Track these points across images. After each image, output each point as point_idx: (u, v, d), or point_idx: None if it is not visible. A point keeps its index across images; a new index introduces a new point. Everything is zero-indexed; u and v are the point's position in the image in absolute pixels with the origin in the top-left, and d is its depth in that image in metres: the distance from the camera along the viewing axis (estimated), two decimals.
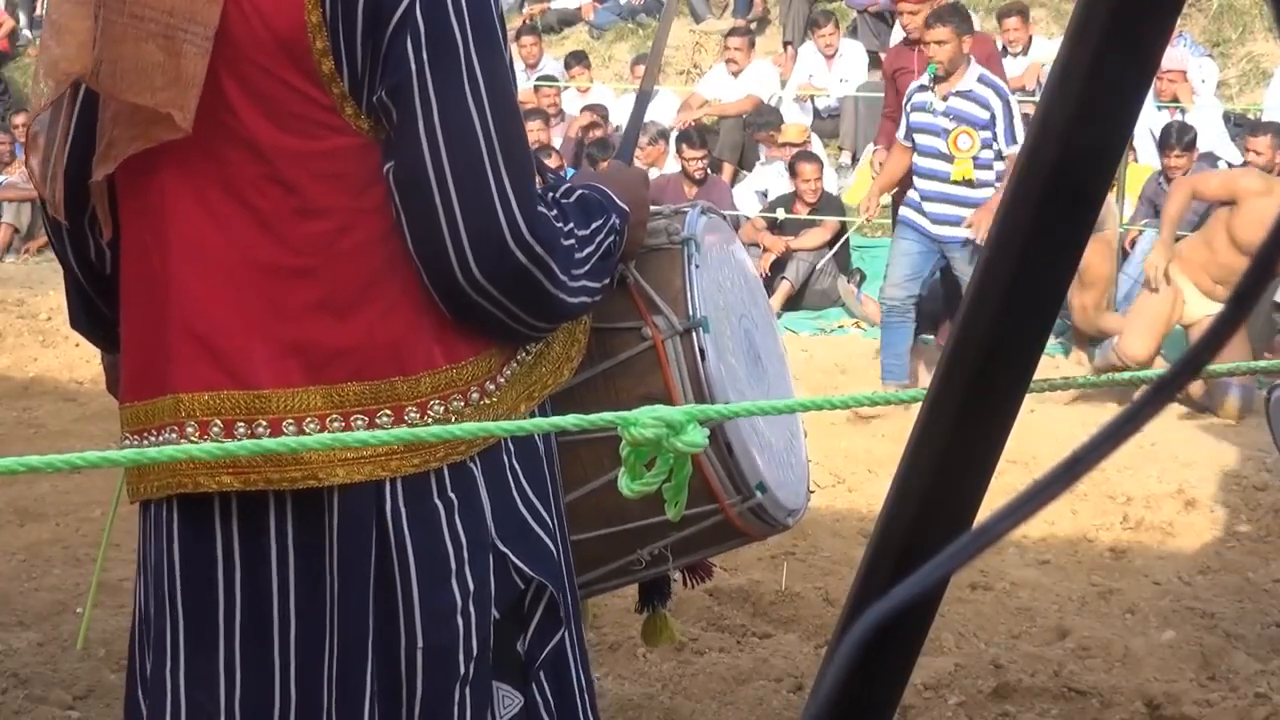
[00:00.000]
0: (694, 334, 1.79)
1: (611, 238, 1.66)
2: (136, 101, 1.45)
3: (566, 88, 11.29)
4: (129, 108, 1.47)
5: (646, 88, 2.10)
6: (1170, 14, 0.67)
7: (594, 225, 1.64)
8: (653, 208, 1.86)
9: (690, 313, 1.80)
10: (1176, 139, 8.19)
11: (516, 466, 1.62)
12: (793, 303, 9.01)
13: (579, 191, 1.66)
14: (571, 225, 1.60)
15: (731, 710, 3.32)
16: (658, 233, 1.86)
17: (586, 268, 1.61)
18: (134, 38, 1.45)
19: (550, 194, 1.61)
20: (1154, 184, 8.55)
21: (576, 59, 11.48)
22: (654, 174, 9.27)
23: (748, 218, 9.49)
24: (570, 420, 1.17)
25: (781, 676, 3.47)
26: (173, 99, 1.44)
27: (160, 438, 1.54)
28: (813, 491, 2.13)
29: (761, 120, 10.26)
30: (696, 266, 1.83)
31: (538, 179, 1.60)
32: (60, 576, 4.16)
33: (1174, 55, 9.13)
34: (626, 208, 1.70)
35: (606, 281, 1.67)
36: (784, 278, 8.99)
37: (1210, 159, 8.74)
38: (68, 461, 1.02)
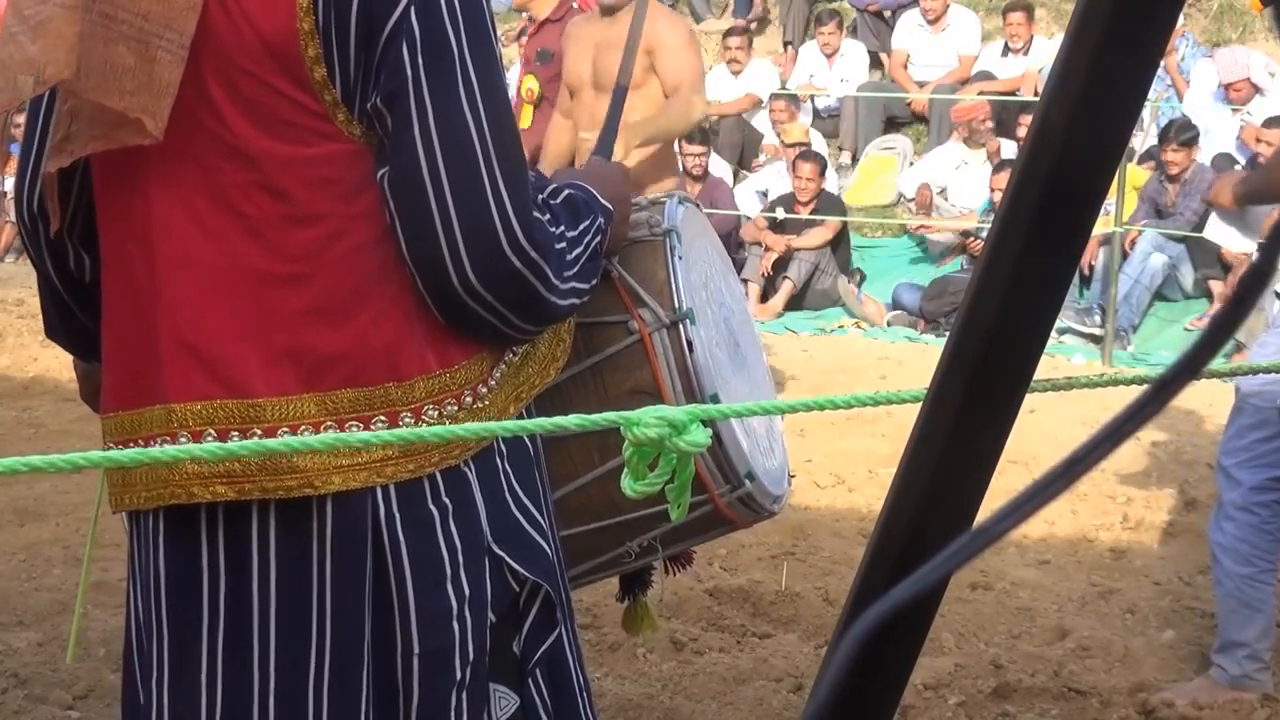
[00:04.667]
0: (680, 326, 1.79)
1: (598, 238, 1.66)
2: (103, 102, 1.42)
3: None
4: (92, 106, 1.44)
5: (623, 82, 2.10)
6: (1170, 14, 0.67)
7: (582, 226, 1.63)
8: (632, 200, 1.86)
9: (676, 305, 1.80)
10: (1176, 134, 8.20)
11: (508, 469, 1.62)
12: (793, 303, 9.02)
13: (566, 191, 1.65)
14: (563, 228, 1.59)
15: (731, 710, 3.32)
16: (639, 225, 1.86)
17: (575, 269, 1.60)
18: (103, 38, 1.41)
19: (539, 195, 1.60)
20: (1154, 183, 8.56)
21: None
22: None
23: (748, 217, 9.50)
24: (573, 420, 1.16)
25: (781, 676, 3.47)
26: (144, 104, 1.41)
27: (150, 447, 1.52)
28: (793, 476, 2.13)
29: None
30: (680, 258, 1.83)
31: None
32: (60, 576, 4.16)
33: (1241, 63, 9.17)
34: (610, 205, 1.70)
35: (594, 282, 1.67)
36: (786, 277, 9.00)
37: (1228, 160, 8.75)
38: (68, 461, 1.02)
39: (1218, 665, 3.40)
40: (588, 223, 1.64)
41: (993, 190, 8.74)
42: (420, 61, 1.45)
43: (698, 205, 2.07)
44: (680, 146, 9.47)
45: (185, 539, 1.54)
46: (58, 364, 7.01)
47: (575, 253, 1.60)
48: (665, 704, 3.32)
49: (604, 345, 1.81)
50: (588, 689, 1.76)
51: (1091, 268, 8.32)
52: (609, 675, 3.47)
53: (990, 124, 9.39)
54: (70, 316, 1.71)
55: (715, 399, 1.78)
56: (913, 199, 9.67)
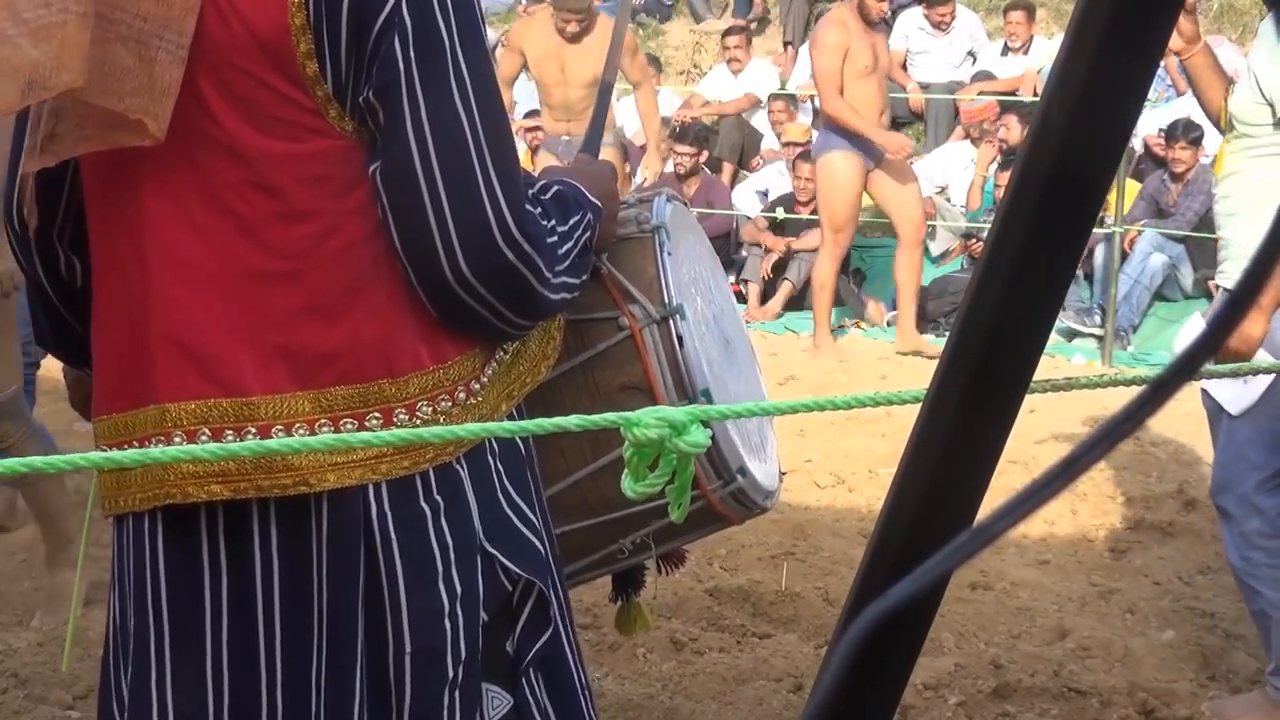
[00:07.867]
0: (670, 321, 1.79)
1: (588, 233, 1.66)
2: (101, 104, 1.41)
3: None
4: (81, 106, 1.43)
5: (608, 79, 2.09)
6: (1170, 14, 0.67)
7: (571, 221, 1.63)
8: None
9: (665, 300, 1.81)
10: (1183, 133, 8.22)
11: (500, 467, 1.62)
12: (793, 303, 9.01)
13: (555, 187, 1.66)
14: (553, 222, 1.60)
15: (731, 710, 3.32)
16: (627, 221, 1.86)
17: (566, 263, 1.60)
18: (99, 38, 1.40)
19: (528, 190, 1.60)
20: (1156, 182, 8.56)
21: None
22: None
23: (748, 218, 9.49)
24: (574, 421, 1.16)
25: (781, 676, 3.47)
26: (145, 106, 1.40)
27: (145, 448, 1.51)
28: (785, 473, 2.13)
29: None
30: (669, 254, 1.84)
31: None
32: None
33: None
34: (598, 202, 1.70)
35: (584, 278, 1.67)
36: (785, 278, 9.00)
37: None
38: (68, 462, 1.02)
39: (1273, 685, 3.28)
40: (577, 218, 1.65)
41: (998, 187, 8.74)
42: (412, 55, 1.45)
43: (685, 203, 2.08)
44: (671, 146, 9.47)
45: (185, 539, 1.54)
46: (58, 364, 7.00)
47: (566, 247, 1.61)
48: (665, 704, 3.32)
49: (594, 342, 1.81)
50: (589, 689, 1.76)
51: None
52: (609, 675, 3.47)
53: (999, 124, 9.39)
54: (60, 322, 1.71)
55: (707, 394, 1.78)
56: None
